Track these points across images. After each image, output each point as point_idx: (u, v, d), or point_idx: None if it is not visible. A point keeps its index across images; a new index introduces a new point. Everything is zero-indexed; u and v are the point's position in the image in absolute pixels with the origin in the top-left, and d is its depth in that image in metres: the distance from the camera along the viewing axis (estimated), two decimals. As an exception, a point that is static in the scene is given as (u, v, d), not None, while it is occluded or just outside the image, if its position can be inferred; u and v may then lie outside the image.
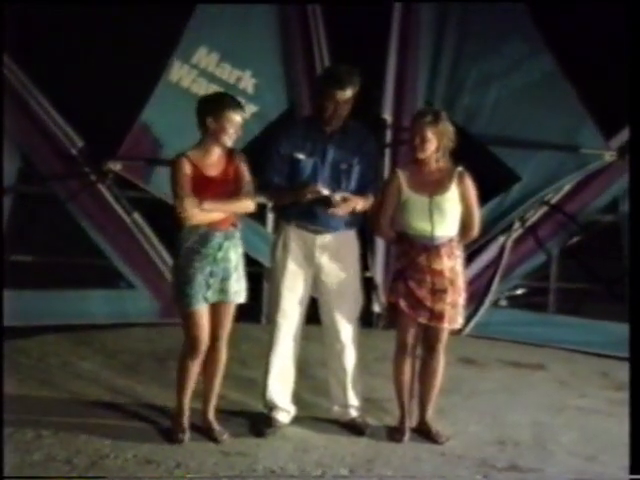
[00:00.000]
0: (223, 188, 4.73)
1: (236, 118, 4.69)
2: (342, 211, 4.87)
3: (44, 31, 6.80)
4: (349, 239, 5.12)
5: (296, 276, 5.06)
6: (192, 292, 4.72)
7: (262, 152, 5.06)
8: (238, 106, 4.75)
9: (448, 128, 4.87)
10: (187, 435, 4.84)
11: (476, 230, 5.01)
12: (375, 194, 5.02)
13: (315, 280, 5.11)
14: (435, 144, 4.83)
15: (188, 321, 4.79)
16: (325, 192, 4.82)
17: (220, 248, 4.74)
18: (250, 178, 4.80)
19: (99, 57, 6.89)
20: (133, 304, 7.36)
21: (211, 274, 4.74)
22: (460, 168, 4.91)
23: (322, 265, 5.06)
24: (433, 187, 4.87)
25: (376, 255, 7.55)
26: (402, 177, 4.92)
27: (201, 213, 4.65)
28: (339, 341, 5.12)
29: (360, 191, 4.98)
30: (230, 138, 4.72)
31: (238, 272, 4.84)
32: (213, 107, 4.70)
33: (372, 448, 4.93)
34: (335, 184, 4.95)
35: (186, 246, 4.73)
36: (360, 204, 4.94)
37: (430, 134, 4.80)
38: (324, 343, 5.20)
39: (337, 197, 4.83)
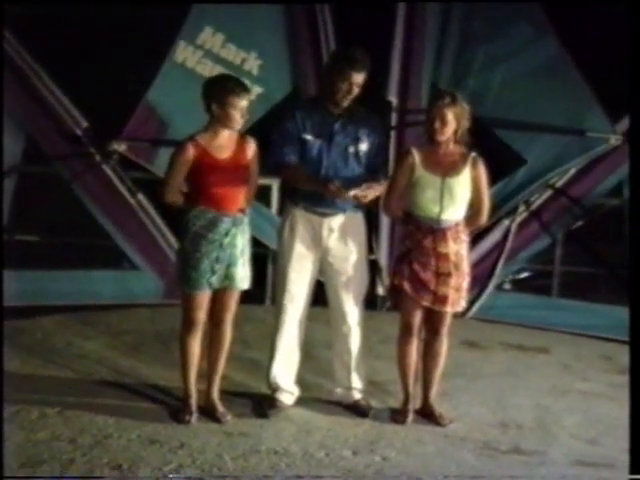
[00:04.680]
0: (233, 172, 4.72)
1: (241, 103, 4.65)
2: (366, 200, 4.88)
3: (48, 11, 6.77)
4: (356, 221, 5.11)
5: (303, 259, 5.05)
6: (196, 276, 4.73)
7: (268, 133, 5.05)
8: (243, 90, 4.69)
9: (465, 108, 4.86)
10: (195, 417, 4.86)
11: (485, 217, 5.01)
12: (385, 179, 5.02)
13: (322, 262, 5.10)
14: (454, 126, 4.82)
15: (189, 303, 4.81)
16: (352, 192, 4.79)
17: (227, 234, 4.73)
18: (257, 172, 4.86)
19: (104, 37, 6.86)
20: (137, 285, 7.37)
21: (217, 260, 4.74)
22: (474, 154, 4.91)
23: (329, 247, 5.05)
24: (446, 168, 4.86)
25: (380, 237, 7.55)
26: (416, 156, 4.89)
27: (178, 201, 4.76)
28: (346, 323, 5.12)
29: (370, 176, 4.95)
30: (237, 123, 4.70)
31: (244, 257, 4.84)
32: (217, 93, 4.65)
33: (375, 430, 4.94)
34: (344, 167, 4.95)
35: (193, 230, 4.73)
36: (379, 190, 4.94)
37: (450, 116, 4.79)
38: (331, 325, 5.20)
39: (362, 191, 4.81)
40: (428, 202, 4.86)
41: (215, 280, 4.76)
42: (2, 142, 6.68)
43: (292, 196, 5.08)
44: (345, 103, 4.94)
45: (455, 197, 4.85)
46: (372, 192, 4.86)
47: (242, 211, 4.81)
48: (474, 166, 4.89)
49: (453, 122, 4.80)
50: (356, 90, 4.91)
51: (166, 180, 4.79)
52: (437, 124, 4.79)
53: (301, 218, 5.03)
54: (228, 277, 4.79)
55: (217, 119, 4.68)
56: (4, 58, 6.76)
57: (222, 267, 4.76)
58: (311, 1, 7.35)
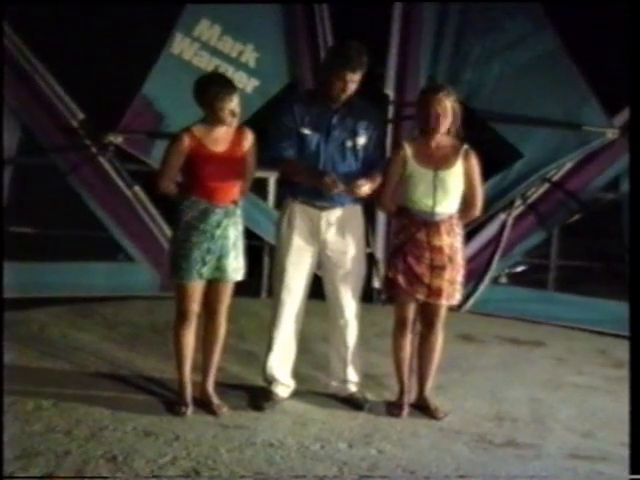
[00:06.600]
0: (227, 165, 4.72)
1: (229, 106, 4.62)
2: (360, 194, 4.86)
3: (46, 2, 6.76)
4: (355, 214, 5.11)
5: (301, 252, 5.05)
6: (187, 266, 4.73)
7: (265, 126, 5.04)
8: (228, 93, 4.63)
9: (457, 100, 4.87)
10: (190, 409, 4.87)
11: (478, 209, 5.01)
12: (382, 172, 5.01)
13: (320, 256, 5.10)
14: (451, 118, 4.82)
15: (180, 294, 4.82)
16: (346, 186, 4.79)
17: (219, 225, 4.74)
18: (254, 164, 4.86)
19: (101, 29, 6.86)
20: (133, 277, 7.37)
21: (208, 251, 4.74)
22: (466, 146, 4.91)
23: (328, 241, 5.04)
24: (439, 162, 4.86)
25: (377, 231, 7.55)
26: (408, 150, 4.90)
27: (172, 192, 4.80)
28: (343, 317, 5.12)
29: (367, 170, 4.94)
30: (228, 122, 4.68)
31: (236, 249, 4.84)
32: (204, 98, 4.65)
33: (371, 423, 4.95)
34: (341, 161, 4.95)
35: (185, 220, 4.74)
36: (374, 185, 4.92)
37: (449, 107, 4.80)
38: (328, 318, 5.20)
39: (356, 186, 4.80)
40: (421, 196, 4.86)
41: (206, 271, 4.76)
42: (2, 138, 6.68)
43: (290, 189, 5.07)
44: (341, 99, 4.93)
45: (448, 190, 4.85)
46: (367, 187, 4.85)
47: (235, 203, 4.81)
48: (466, 158, 4.89)
49: (451, 113, 4.81)
50: (352, 87, 4.89)
51: (161, 169, 4.81)
52: (437, 115, 4.79)
53: (299, 211, 5.03)
54: (219, 268, 4.80)
55: (209, 119, 4.70)
56: (4, 57, 6.75)
57: (213, 258, 4.76)
58: (309, 0, 7.34)
